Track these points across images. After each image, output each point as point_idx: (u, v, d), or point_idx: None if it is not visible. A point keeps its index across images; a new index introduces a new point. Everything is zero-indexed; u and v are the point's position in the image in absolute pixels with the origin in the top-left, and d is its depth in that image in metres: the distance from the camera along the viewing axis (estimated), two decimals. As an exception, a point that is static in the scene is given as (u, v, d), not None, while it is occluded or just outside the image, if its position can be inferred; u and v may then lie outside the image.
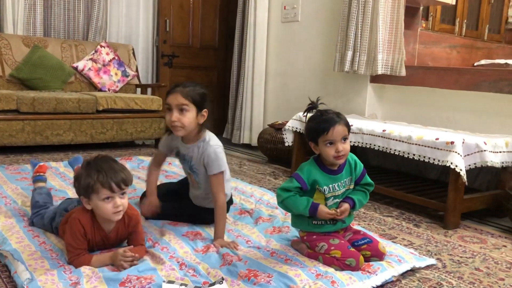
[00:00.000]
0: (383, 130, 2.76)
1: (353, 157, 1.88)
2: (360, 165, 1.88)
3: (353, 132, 2.94)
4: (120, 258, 1.64)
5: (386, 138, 2.74)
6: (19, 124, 3.56)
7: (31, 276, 1.54)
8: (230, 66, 5.00)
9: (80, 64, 4.30)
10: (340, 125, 1.74)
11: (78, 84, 4.32)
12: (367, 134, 2.85)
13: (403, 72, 3.43)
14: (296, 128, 3.35)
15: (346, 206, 1.81)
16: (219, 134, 5.29)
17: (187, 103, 1.93)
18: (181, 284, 1.56)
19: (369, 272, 1.71)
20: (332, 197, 1.83)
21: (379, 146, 2.79)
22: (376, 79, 3.65)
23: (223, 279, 1.61)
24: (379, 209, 2.75)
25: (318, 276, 1.66)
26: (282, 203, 1.80)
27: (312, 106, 1.86)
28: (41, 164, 2.53)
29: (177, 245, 1.88)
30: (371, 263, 1.78)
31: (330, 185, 1.81)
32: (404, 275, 1.79)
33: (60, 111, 3.72)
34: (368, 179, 1.90)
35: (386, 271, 1.74)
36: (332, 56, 3.84)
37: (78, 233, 1.67)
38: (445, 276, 1.81)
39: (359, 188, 1.89)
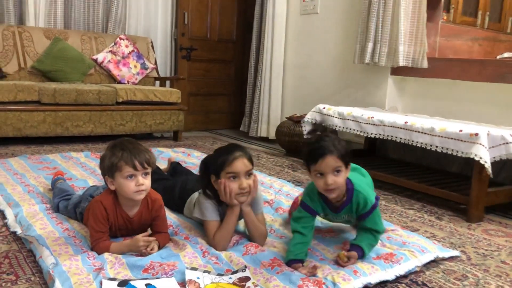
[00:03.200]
0: (405, 122, 2.72)
1: (360, 196, 1.68)
2: (366, 207, 1.68)
3: (374, 124, 2.90)
4: (137, 245, 1.65)
5: (408, 130, 2.70)
6: (40, 115, 3.60)
7: (56, 261, 1.56)
8: (248, 59, 4.99)
9: (99, 56, 4.33)
10: (331, 157, 1.56)
11: (97, 76, 4.35)
12: (388, 126, 2.81)
13: (425, 64, 3.38)
14: (316, 120, 3.33)
15: (353, 253, 1.65)
16: (236, 128, 5.31)
17: None
18: (204, 271, 1.56)
19: (392, 261, 1.69)
20: (327, 218, 1.85)
21: (400, 138, 2.75)
22: (397, 71, 3.61)
23: (246, 267, 1.61)
24: (400, 201, 2.71)
25: (339, 265, 1.65)
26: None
27: (315, 129, 1.79)
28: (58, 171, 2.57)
29: (198, 235, 1.88)
30: (394, 252, 1.76)
31: (326, 213, 1.80)
32: (428, 266, 1.76)
33: (81, 102, 3.76)
34: (376, 224, 1.71)
35: (409, 261, 1.71)
36: (352, 48, 3.80)
37: (100, 216, 1.68)
38: (470, 268, 1.78)
39: (366, 231, 1.72)
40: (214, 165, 1.76)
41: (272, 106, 4.63)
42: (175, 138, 4.42)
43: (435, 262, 1.80)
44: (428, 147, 2.59)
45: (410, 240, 1.90)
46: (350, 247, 1.70)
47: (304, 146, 1.73)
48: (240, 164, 1.72)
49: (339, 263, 1.65)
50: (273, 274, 1.57)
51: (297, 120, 3.88)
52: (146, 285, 1.46)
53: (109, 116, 3.91)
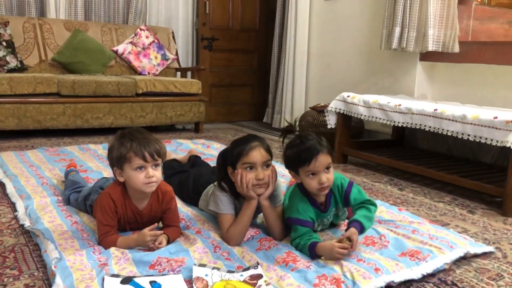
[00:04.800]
0: (435, 110, 2.55)
1: (336, 183, 1.68)
2: (344, 185, 1.69)
3: (401, 112, 2.74)
4: (144, 239, 1.56)
5: (438, 118, 2.52)
6: (60, 107, 3.58)
7: (60, 256, 1.50)
8: (271, 48, 4.86)
9: (120, 48, 4.29)
10: (323, 154, 1.58)
11: (118, 68, 4.31)
12: (417, 114, 2.64)
13: (456, 48, 3.18)
14: (340, 109, 3.18)
15: (351, 231, 1.54)
16: (259, 119, 5.19)
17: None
18: (213, 268, 1.46)
19: (418, 259, 1.55)
20: (320, 226, 1.78)
21: (430, 127, 2.58)
22: (426, 56, 3.41)
23: (258, 263, 1.50)
24: (429, 194, 2.55)
25: (359, 261, 1.52)
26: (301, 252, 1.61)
27: (289, 129, 1.75)
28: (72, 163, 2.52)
29: (211, 229, 1.78)
30: (420, 249, 1.62)
31: (319, 219, 1.73)
32: (458, 264, 1.62)
33: (100, 94, 3.72)
34: (359, 196, 1.67)
35: (437, 258, 1.57)
36: (378, 33, 3.62)
37: (108, 208, 1.61)
38: (506, 267, 1.62)
39: (357, 208, 1.66)
40: (231, 156, 1.69)
41: (295, 96, 4.49)
42: (197, 130, 4.34)
43: (466, 260, 1.65)
44: (460, 136, 2.41)
45: (438, 235, 1.76)
46: (347, 225, 1.60)
47: (287, 148, 1.67)
48: (257, 154, 1.65)
49: (348, 251, 1.53)
50: (288, 272, 1.46)
51: (320, 110, 3.73)
52: (151, 282, 1.37)
53: (129, 107, 3.86)
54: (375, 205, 1.67)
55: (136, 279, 1.38)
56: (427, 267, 1.52)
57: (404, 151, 3.25)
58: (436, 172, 2.64)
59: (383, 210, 2.07)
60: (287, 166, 1.69)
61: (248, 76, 5.32)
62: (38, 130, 3.65)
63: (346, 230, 1.59)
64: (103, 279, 1.36)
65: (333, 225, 1.86)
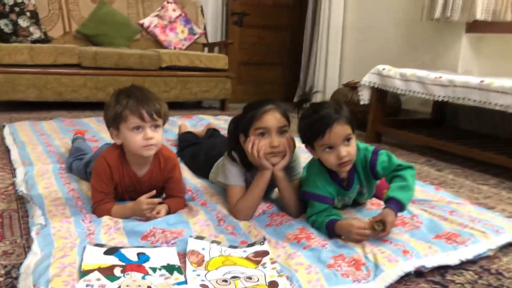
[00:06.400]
0: (481, 81, 2.26)
1: (359, 157, 1.43)
2: (367, 155, 1.45)
3: (442, 85, 2.45)
4: (141, 207, 1.39)
5: (485, 90, 2.23)
6: (81, 79, 3.47)
7: (46, 222, 1.35)
8: (304, 25, 4.59)
9: (146, 21, 4.14)
10: (339, 124, 1.33)
11: (143, 42, 4.16)
12: (460, 86, 2.35)
13: (509, 17, 2.84)
14: (374, 83, 2.91)
15: (385, 212, 1.31)
16: (290, 100, 4.95)
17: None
18: (212, 241, 1.27)
19: (456, 242, 1.31)
20: (341, 202, 1.55)
21: (475, 101, 2.29)
22: (473, 27, 3.08)
23: (264, 239, 1.30)
24: (471, 176, 2.27)
25: (385, 241, 1.29)
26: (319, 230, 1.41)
27: (303, 99, 1.53)
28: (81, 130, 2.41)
29: (219, 202, 1.58)
30: (458, 231, 1.37)
31: (340, 197, 1.51)
32: (505, 252, 1.37)
33: (122, 66, 3.58)
34: (388, 163, 1.42)
35: (479, 242, 1.33)
36: (419, 3, 3.30)
37: (103, 173, 1.45)
38: None
39: (391, 179, 1.42)
40: (242, 121, 1.49)
41: (328, 74, 4.23)
42: (222, 108, 4.15)
43: (514, 246, 1.40)
44: (510, 110, 2.11)
45: (481, 217, 1.51)
46: (384, 205, 1.35)
47: (301, 120, 1.43)
48: (271, 118, 1.44)
49: (379, 236, 1.30)
50: (299, 249, 1.26)
51: (354, 87, 3.47)
52: (138, 254, 1.19)
53: (152, 81, 3.71)
54: (410, 167, 1.41)
55: (122, 250, 1.21)
56: (466, 253, 1.28)
57: (444, 131, 2.95)
58: (481, 153, 2.35)
59: (417, 189, 1.80)
60: (303, 141, 1.45)
61: (279, 55, 5.06)
62: (59, 103, 3.55)
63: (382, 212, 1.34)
64: (84, 249, 1.19)
65: (357, 204, 1.62)
